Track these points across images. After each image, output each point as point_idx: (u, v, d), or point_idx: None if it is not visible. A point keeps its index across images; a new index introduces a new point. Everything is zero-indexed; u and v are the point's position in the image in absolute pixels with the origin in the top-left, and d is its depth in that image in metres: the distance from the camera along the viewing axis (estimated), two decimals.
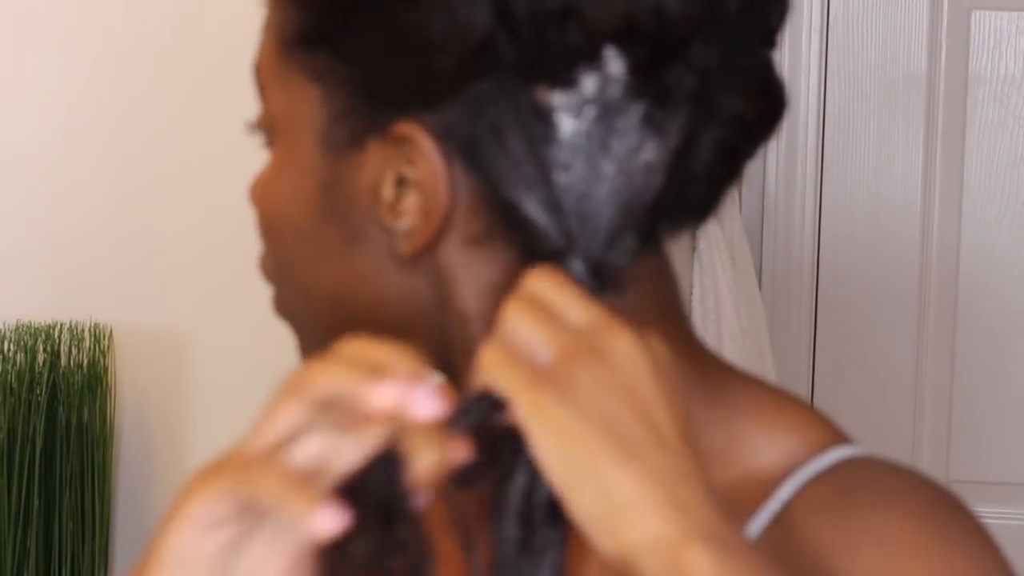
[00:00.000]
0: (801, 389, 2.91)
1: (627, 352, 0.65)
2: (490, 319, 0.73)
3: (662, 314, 0.76)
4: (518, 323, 0.66)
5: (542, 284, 0.67)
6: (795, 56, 2.92)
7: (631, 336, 0.66)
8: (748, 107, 0.72)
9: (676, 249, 2.50)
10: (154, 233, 2.08)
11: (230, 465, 0.65)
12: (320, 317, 0.77)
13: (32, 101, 2.08)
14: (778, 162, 2.92)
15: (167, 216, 2.07)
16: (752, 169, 2.92)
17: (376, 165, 0.73)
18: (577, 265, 0.69)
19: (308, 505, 0.63)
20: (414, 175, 0.72)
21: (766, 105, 0.74)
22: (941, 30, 2.90)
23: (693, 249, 2.40)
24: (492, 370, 0.65)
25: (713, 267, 2.38)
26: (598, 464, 0.63)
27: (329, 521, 0.63)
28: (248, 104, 0.80)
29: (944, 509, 0.75)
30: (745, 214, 2.85)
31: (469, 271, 0.73)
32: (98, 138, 2.07)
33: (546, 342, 0.65)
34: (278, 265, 0.79)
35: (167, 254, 2.08)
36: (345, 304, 0.76)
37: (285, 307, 0.80)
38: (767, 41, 0.74)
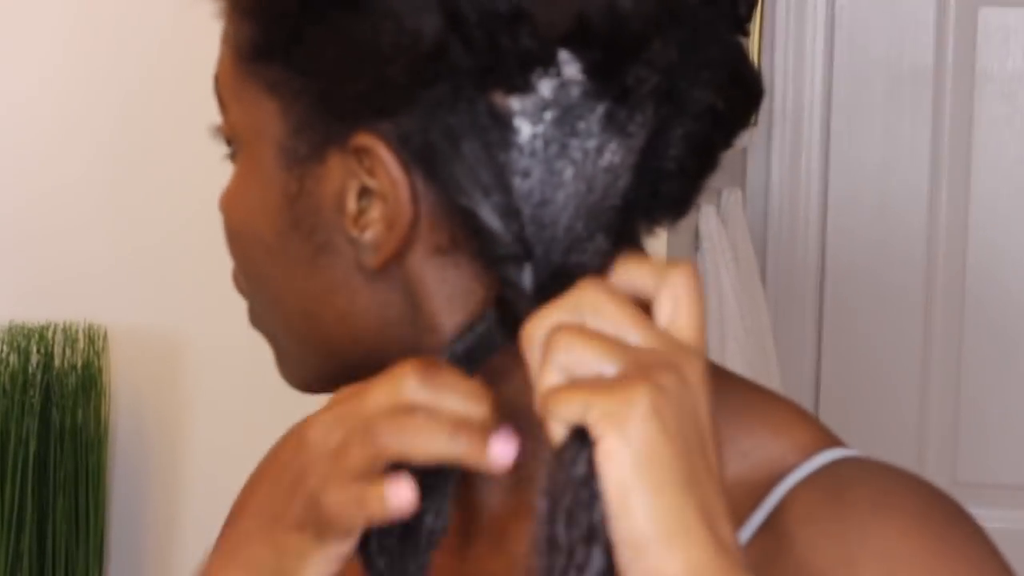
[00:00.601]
0: (806, 389, 2.90)
1: (699, 374, 0.63)
2: (459, 327, 0.72)
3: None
4: (573, 349, 0.62)
5: (592, 299, 0.64)
6: (800, 52, 2.91)
7: (702, 360, 0.63)
8: (720, 98, 0.71)
9: (679, 248, 2.48)
10: (149, 233, 2.07)
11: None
12: (292, 329, 0.77)
13: (25, 100, 2.08)
14: (782, 159, 2.91)
15: (162, 216, 2.07)
16: (756, 166, 2.90)
17: (338, 177, 0.72)
18: (528, 271, 0.68)
19: (479, 440, 0.64)
20: (376, 186, 0.71)
21: (739, 94, 0.72)
22: (948, 26, 2.89)
23: (696, 248, 2.38)
24: (559, 406, 0.62)
25: (716, 266, 2.37)
26: (668, 482, 0.61)
27: (505, 448, 0.63)
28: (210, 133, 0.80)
29: (943, 515, 0.73)
30: (749, 212, 2.84)
31: (437, 280, 0.72)
32: (92, 137, 2.07)
33: (609, 359, 0.62)
34: (249, 278, 0.78)
35: (162, 254, 2.07)
36: (316, 316, 0.75)
37: (259, 320, 0.79)
38: (738, 29, 0.73)
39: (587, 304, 0.63)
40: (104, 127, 2.07)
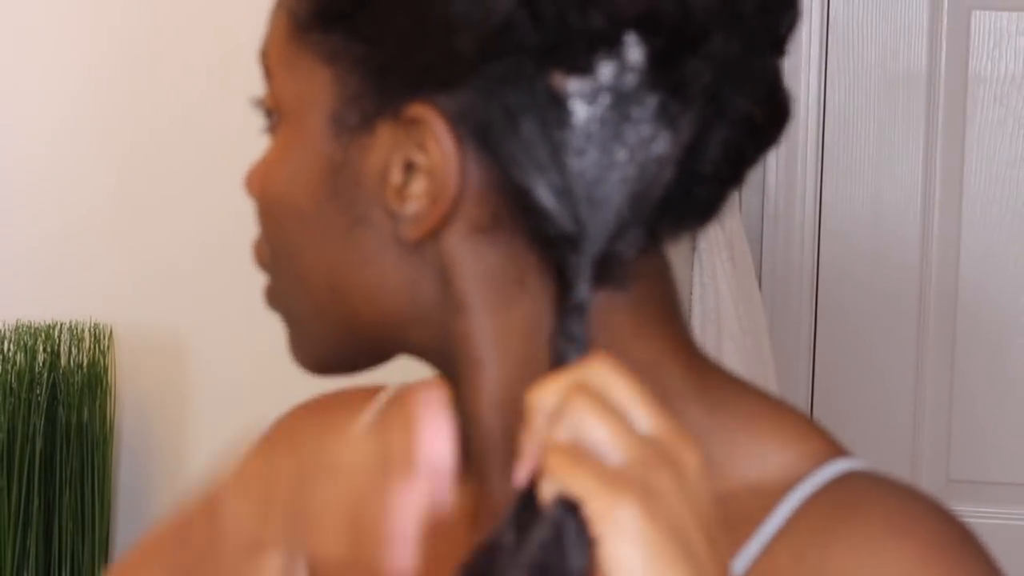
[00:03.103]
0: (801, 389, 2.91)
1: (698, 468, 0.63)
2: (490, 310, 0.72)
3: (661, 314, 0.76)
4: (586, 419, 0.62)
5: (604, 376, 0.63)
6: (795, 55, 2.92)
7: (700, 451, 0.63)
8: (757, 110, 0.72)
9: (676, 249, 2.51)
10: (154, 233, 2.08)
11: None
12: (317, 305, 0.76)
13: (33, 101, 2.08)
14: (778, 161, 2.92)
15: (167, 216, 2.07)
16: (753, 168, 2.91)
17: (386, 148, 0.72)
18: (587, 251, 0.68)
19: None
20: (424, 159, 0.71)
21: (772, 111, 0.74)
22: (941, 30, 2.90)
23: (693, 249, 2.39)
24: (563, 474, 0.61)
25: (713, 267, 2.38)
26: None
27: None
28: (251, 105, 0.80)
29: (955, 541, 0.73)
30: (745, 213, 2.85)
31: (472, 260, 0.72)
32: (99, 138, 2.07)
33: (617, 444, 0.62)
34: (275, 251, 0.77)
35: (167, 254, 2.08)
36: (343, 290, 0.75)
37: (279, 296, 0.79)
38: (776, 48, 0.74)
39: (598, 379, 0.63)
40: (110, 129, 2.08)
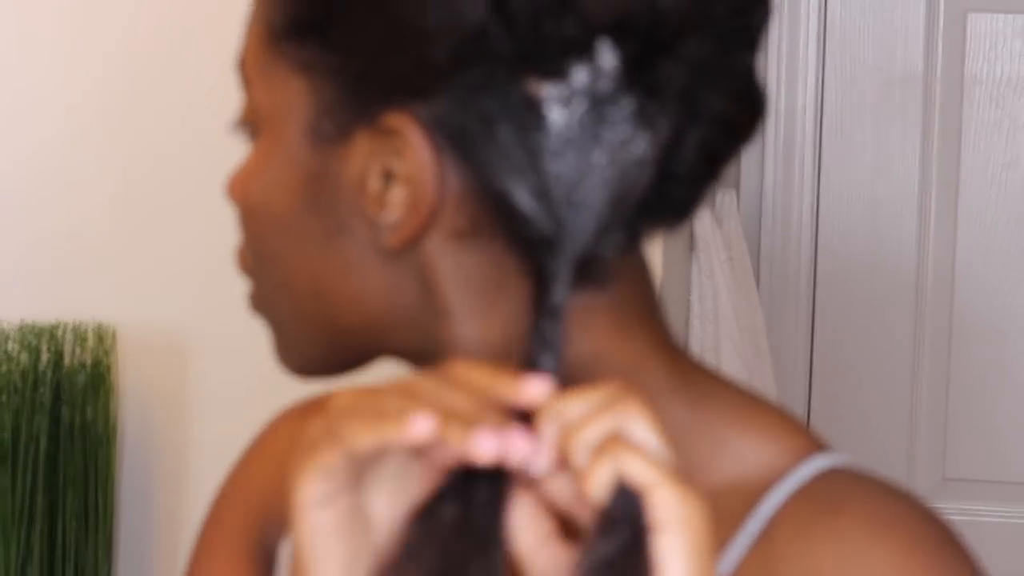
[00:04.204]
0: (799, 387, 2.91)
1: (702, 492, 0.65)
2: (472, 315, 0.73)
3: (642, 313, 0.76)
4: (636, 423, 0.63)
5: (628, 399, 0.64)
6: (792, 57, 2.93)
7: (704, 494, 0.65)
8: (732, 109, 0.72)
9: (675, 249, 2.50)
10: (158, 233, 2.08)
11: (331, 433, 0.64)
12: (300, 310, 0.76)
13: (37, 102, 2.08)
14: (775, 162, 2.92)
15: (171, 216, 2.07)
16: (749, 169, 2.92)
17: (363, 157, 0.72)
18: (565, 254, 0.68)
19: (466, 430, 0.61)
20: (402, 168, 0.71)
21: (748, 109, 0.74)
22: (937, 31, 2.91)
23: (691, 249, 2.40)
24: (631, 460, 0.62)
25: (711, 267, 2.39)
26: (711, 571, 0.62)
27: (489, 444, 0.61)
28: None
29: (940, 540, 0.74)
30: (743, 214, 2.86)
31: (453, 266, 0.72)
32: (102, 138, 2.07)
33: (664, 453, 0.63)
34: (258, 258, 0.78)
35: (171, 254, 2.08)
36: (326, 297, 0.75)
37: (263, 302, 0.79)
38: (750, 45, 0.74)
39: (622, 402, 0.64)
40: (114, 129, 2.08)
